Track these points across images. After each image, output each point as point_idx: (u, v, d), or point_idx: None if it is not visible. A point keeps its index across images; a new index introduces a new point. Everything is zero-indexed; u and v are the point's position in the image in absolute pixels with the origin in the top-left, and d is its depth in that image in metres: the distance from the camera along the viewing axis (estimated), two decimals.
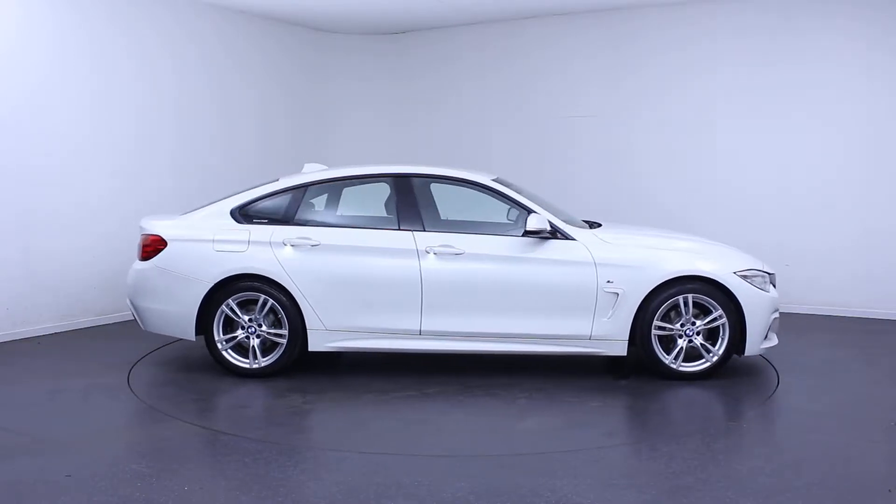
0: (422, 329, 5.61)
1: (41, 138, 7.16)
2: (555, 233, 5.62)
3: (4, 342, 6.83)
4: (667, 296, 5.52)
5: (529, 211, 5.69)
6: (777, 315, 5.82)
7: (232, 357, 5.81)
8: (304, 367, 6.19)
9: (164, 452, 4.29)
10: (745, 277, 5.60)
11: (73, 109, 7.42)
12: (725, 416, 4.86)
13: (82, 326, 7.49)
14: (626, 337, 5.54)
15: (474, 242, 5.65)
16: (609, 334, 5.55)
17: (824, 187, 8.13)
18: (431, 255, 5.59)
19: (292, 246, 5.70)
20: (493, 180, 5.93)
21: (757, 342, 5.61)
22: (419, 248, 5.62)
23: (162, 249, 5.83)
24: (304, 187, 6.01)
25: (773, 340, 5.84)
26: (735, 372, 5.94)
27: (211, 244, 5.78)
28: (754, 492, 3.69)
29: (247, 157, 9.33)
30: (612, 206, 8.59)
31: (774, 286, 5.88)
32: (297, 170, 8.80)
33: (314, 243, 5.70)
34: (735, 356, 5.74)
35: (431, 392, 5.39)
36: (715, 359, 5.59)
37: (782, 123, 8.28)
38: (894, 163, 7.84)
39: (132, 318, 6.20)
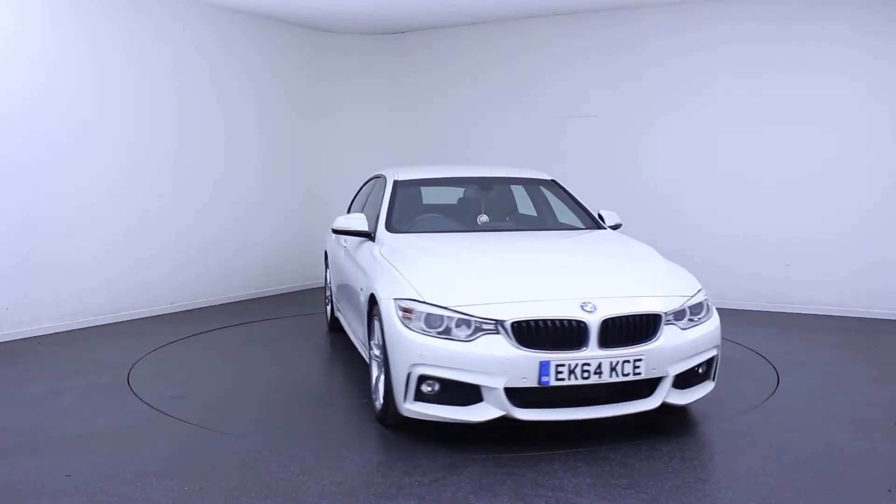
0: None
1: (42, 139, 7.16)
2: (371, 234, 5.53)
3: (4, 342, 6.84)
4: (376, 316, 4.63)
5: (378, 214, 5.69)
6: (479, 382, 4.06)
7: (327, 309, 7.47)
8: (307, 367, 6.19)
9: (163, 452, 4.29)
10: (402, 308, 4.29)
11: (74, 110, 7.43)
12: (725, 416, 4.86)
13: (82, 326, 7.49)
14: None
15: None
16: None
17: (823, 187, 8.14)
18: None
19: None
20: (396, 180, 6.00)
21: (398, 395, 4.26)
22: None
23: None
24: (363, 185, 7.17)
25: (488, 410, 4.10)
26: (735, 372, 5.94)
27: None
28: (754, 492, 3.69)
29: (249, 154, 9.34)
30: (611, 205, 8.58)
31: (532, 345, 4.06)
32: (300, 167, 8.80)
33: None
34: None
35: None
36: (377, 403, 4.66)
37: (782, 125, 8.29)
38: (892, 163, 7.85)
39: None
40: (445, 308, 4.17)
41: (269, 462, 4.10)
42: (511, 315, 4.10)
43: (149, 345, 6.79)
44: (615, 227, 5.94)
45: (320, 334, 7.38)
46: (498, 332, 4.10)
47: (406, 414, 4.30)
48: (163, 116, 8.28)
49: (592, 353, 4.08)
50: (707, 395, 4.60)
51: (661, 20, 8.81)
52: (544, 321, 4.10)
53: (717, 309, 8.22)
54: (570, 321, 4.11)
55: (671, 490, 3.74)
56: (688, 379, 4.45)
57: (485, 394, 4.10)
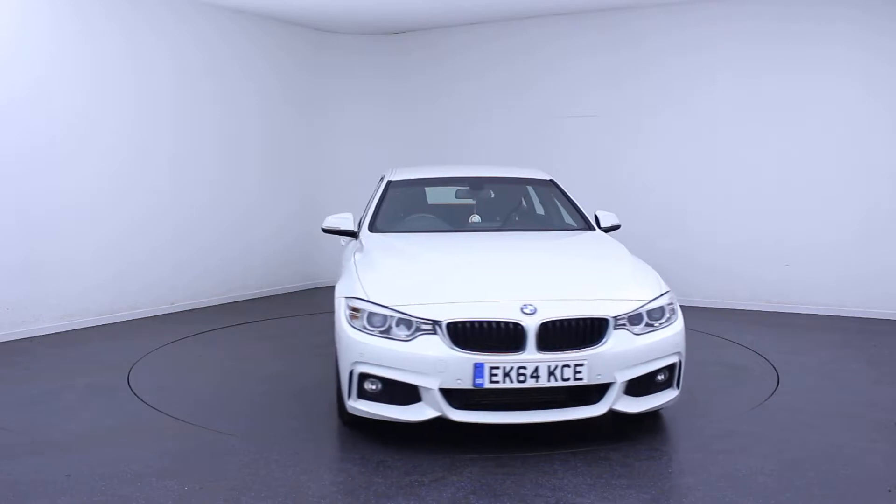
0: None
1: (42, 138, 7.17)
2: (355, 234, 5.65)
3: (4, 342, 6.84)
4: None
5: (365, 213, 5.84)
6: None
7: None
8: (307, 366, 6.20)
9: (164, 452, 4.29)
10: (351, 307, 4.33)
11: (74, 110, 7.43)
12: (725, 416, 4.86)
13: (82, 326, 7.49)
14: None
15: None
16: None
17: (823, 188, 8.14)
18: None
19: None
20: (390, 180, 6.06)
21: (345, 392, 4.33)
22: None
23: None
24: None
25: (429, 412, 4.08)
26: (735, 372, 5.94)
27: None
28: (754, 492, 3.69)
29: (249, 154, 9.34)
30: (611, 205, 8.59)
31: (460, 341, 4.02)
32: (300, 167, 8.65)
33: None
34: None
35: None
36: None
37: (782, 125, 8.29)
38: (892, 164, 7.85)
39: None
40: (387, 307, 4.18)
41: (269, 462, 4.10)
42: (447, 315, 4.07)
43: (149, 345, 6.79)
44: (612, 229, 5.85)
45: (321, 333, 7.38)
46: (435, 333, 4.07)
47: (351, 411, 4.33)
48: (163, 116, 8.27)
49: (530, 356, 4.00)
50: (668, 403, 4.40)
51: (661, 20, 8.81)
52: (480, 322, 4.05)
53: (718, 309, 8.38)
54: (506, 323, 4.04)
55: (671, 490, 3.74)
56: (645, 386, 4.28)
57: (422, 394, 4.08)
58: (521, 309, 4.08)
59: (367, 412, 4.24)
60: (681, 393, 4.50)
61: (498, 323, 4.05)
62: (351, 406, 4.30)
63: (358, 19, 9.63)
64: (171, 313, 8.29)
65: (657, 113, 8.90)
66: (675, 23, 8.74)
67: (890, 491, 3.73)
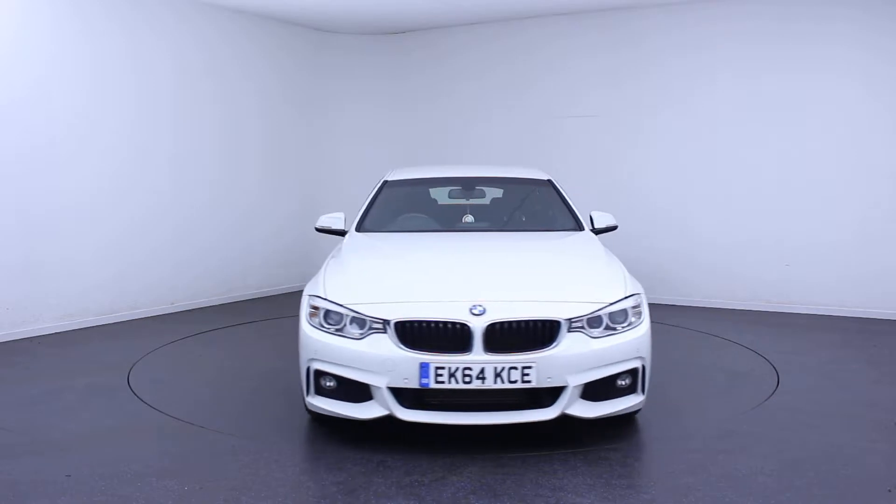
0: None
1: (42, 138, 7.17)
2: (343, 232, 5.66)
3: (4, 342, 6.84)
4: None
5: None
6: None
7: None
8: None
9: (163, 452, 4.29)
10: (311, 305, 4.41)
11: (73, 109, 7.43)
12: (725, 416, 4.86)
13: (82, 326, 7.49)
14: None
15: None
16: None
17: (823, 188, 8.14)
18: None
19: None
20: (386, 180, 6.07)
21: (303, 388, 4.42)
22: None
23: None
24: None
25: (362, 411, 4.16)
26: (735, 372, 5.94)
27: None
28: (754, 492, 3.69)
29: (249, 154, 9.34)
30: (611, 205, 8.60)
31: (403, 341, 4.06)
32: (300, 167, 8.62)
33: None
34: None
35: None
36: None
37: (782, 125, 8.29)
38: (892, 164, 7.85)
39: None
40: (342, 306, 4.25)
41: (269, 462, 4.10)
42: (396, 315, 4.10)
43: (149, 345, 6.79)
44: (608, 229, 5.75)
45: None
46: (385, 332, 4.11)
47: (309, 408, 4.43)
48: (163, 116, 8.27)
49: (476, 357, 3.99)
50: (630, 409, 4.30)
51: (661, 20, 8.81)
52: (427, 322, 4.06)
53: (718, 309, 8.39)
54: (453, 323, 4.04)
55: (671, 490, 3.74)
56: (604, 391, 4.20)
57: (373, 392, 4.13)
58: (470, 310, 4.08)
59: (324, 409, 4.31)
60: (647, 398, 4.39)
61: (445, 323, 4.05)
62: (309, 402, 4.39)
63: (358, 19, 9.63)
64: (171, 313, 8.29)
65: (657, 113, 8.90)
66: (675, 23, 8.74)
67: (890, 491, 3.73)
